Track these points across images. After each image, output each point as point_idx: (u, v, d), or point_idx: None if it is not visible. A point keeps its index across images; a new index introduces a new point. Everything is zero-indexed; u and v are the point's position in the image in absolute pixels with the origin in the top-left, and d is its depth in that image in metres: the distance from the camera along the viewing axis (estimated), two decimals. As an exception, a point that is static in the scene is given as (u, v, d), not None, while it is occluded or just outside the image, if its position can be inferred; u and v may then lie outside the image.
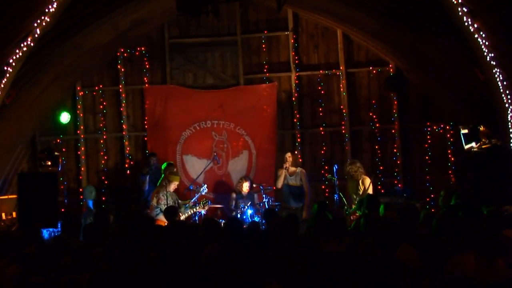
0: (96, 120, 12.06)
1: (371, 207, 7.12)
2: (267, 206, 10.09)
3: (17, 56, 8.07)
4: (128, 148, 11.94)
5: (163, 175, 9.92)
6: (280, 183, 10.00)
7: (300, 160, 10.71)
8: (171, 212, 7.75)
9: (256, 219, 9.67)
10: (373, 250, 4.87)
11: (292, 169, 9.97)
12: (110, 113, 12.04)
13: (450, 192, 8.33)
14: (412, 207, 6.53)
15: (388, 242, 4.89)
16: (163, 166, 10.39)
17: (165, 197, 9.02)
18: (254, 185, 10.64)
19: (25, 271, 4.87)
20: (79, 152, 12.01)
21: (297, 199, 9.93)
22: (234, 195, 10.42)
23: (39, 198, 8.99)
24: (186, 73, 11.98)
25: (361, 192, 9.12)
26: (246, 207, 9.92)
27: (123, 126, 11.94)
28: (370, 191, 9.20)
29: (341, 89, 11.73)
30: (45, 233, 8.75)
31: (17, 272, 4.81)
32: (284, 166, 9.94)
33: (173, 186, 9.28)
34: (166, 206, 8.82)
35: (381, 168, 11.47)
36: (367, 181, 9.31)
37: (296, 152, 10.68)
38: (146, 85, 11.91)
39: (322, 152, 11.77)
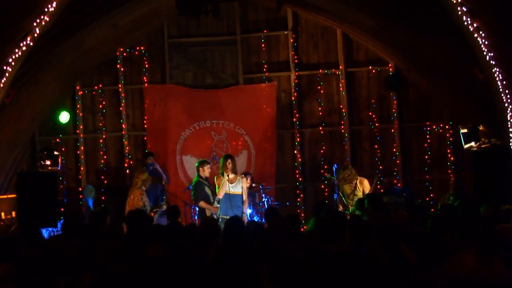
0: (95, 119, 12.05)
1: (374, 207, 7.01)
2: (266, 206, 10.10)
3: (17, 55, 8.05)
4: (127, 148, 11.93)
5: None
6: (221, 193, 8.81)
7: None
8: (174, 212, 7.74)
9: (256, 218, 9.66)
10: (377, 250, 4.86)
11: (233, 176, 8.86)
12: (109, 112, 12.03)
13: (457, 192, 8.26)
14: (417, 208, 6.49)
15: (390, 242, 4.88)
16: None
17: (146, 197, 9.09)
18: (253, 185, 10.63)
19: (21, 271, 4.84)
20: (78, 152, 12.00)
21: (237, 208, 8.78)
22: None
23: (38, 198, 8.98)
24: (186, 72, 11.99)
25: (360, 194, 9.08)
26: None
27: (123, 125, 11.94)
28: (367, 190, 9.13)
29: (341, 89, 11.74)
30: (45, 233, 8.74)
31: (7, 271, 4.76)
32: (225, 174, 8.81)
33: (145, 183, 9.19)
34: (148, 206, 8.98)
35: (380, 167, 11.48)
36: (366, 182, 9.26)
37: (231, 160, 9.06)
38: (146, 85, 11.91)
39: (322, 151, 11.77)
